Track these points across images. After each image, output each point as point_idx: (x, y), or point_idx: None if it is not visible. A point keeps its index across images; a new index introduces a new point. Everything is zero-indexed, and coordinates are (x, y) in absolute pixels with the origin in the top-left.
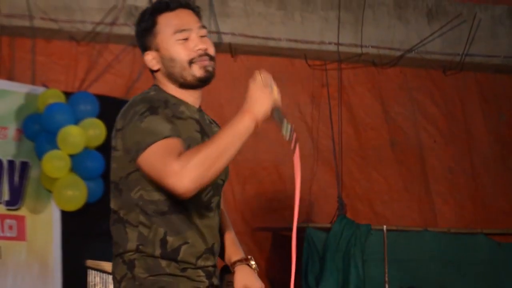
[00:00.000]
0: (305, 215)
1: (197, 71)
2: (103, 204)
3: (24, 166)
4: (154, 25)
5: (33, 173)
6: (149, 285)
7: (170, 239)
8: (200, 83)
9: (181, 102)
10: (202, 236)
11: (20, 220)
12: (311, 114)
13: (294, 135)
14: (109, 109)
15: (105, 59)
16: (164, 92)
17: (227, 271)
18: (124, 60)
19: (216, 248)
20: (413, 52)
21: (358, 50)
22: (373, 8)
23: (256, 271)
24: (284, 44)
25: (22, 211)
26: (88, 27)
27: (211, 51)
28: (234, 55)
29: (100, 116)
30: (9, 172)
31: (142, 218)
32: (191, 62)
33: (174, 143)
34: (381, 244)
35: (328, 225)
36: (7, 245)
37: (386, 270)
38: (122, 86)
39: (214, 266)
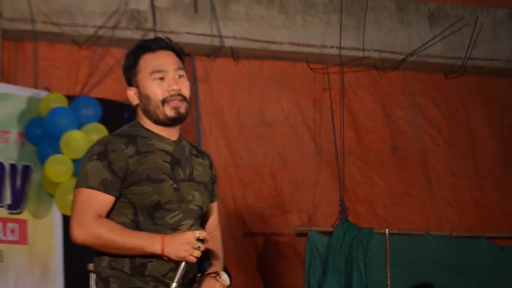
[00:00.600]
0: (308, 219)
1: (168, 111)
2: None
3: (26, 170)
4: (136, 64)
5: (35, 177)
6: None
7: (137, 257)
8: (170, 122)
9: (154, 135)
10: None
11: (22, 223)
12: (313, 117)
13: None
14: (111, 113)
15: (106, 63)
16: (141, 126)
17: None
18: None
19: (184, 264)
20: (415, 55)
21: (360, 54)
22: (375, 11)
23: (224, 285)
24: (286, 48)
25: (24, 215)
26: (90, 31)
27: (185, 92)
28: (236, 59)
29: (102, 120)
30: (11, 176)
31: None
32: (163, 101)
33: (95, 197)
34: (383, 247)
35: (330, 229)
36: (9, 249)
37: (389, 274)
38: (123, 90)
39: (185, 283)
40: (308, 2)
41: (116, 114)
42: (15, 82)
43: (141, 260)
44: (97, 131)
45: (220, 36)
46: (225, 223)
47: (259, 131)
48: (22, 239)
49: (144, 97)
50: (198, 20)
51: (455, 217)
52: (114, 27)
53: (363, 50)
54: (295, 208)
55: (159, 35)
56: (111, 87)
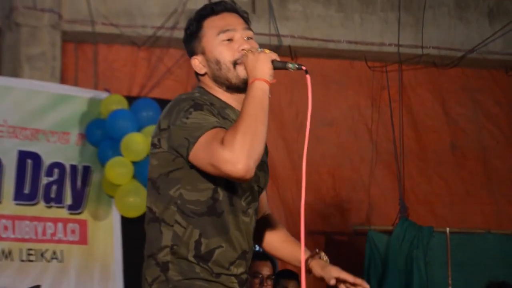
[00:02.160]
0: (365, 218)
1: (241, 72)
2: None
3: (86, 170)
4: (200, 29)
5: (95, 178)
6: (184, 287)
7: (204, 241)
8: (244, 85)
9: (226, 105)
10: (237, 241)
11: (82, 224)
12: (371, 116)
13: (303, 66)
14: None
15: (165, 64)
16: (210, 94)
17: (283, 275)
18: (184, 65)
19: (249, 255)
20: (474, 52)
21: (418, 51)
22: (434, 8)
23: (327, 261)
24: (343, 46)
25: (84, 216)
26: (149, 32)
27: None
28: (294, 57)
29: None
30: (72, 177)
31: (178, 217)
32: (235, 63)
33: (221, 132)
34: (444, 246)
35: (390, 228)
36: (69, 249)
37: (450, 273)
38: (181, 91)
39: (246, 273)
40: (366, 0)
41: None
42: (75, 83)
43: (207, 247)
44: None
45: (278, 35)
46: (285, 222)
47: (318, 131)
48: (82, 240)
49: (213, 62)
50: (256, 19)
51: None
52: (173, 28)
53: (422, 47)
54: (354, 207)
55: None
56: (170, 88)
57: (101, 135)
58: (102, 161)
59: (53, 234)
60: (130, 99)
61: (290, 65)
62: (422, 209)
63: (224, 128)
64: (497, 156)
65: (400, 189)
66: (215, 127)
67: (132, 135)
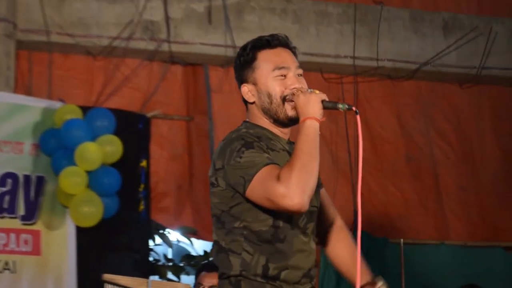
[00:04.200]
0: None
1: (289, 111)
2: (119, 219)
3: (40, 181)
4: (254, 60)
5: (49, 188)
6: None
7: (271, 266)
8: (290, 123)
9: (272, 135)
10: (301, 261)
11: (35, 234)
12: (329, 127)
13: (353, 107)
14: (125, 124)
15: (122, 73)
16: (256, 126)
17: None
18: (141, 74)
19: (313, 272)
20: (429, 65)
21: (374, 64)
22: (389, 21)
23: None
24: (299, 58)
25: (38, 226)
26: (105, 42)
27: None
28: None
29: (117, 132)
30: (25, 187)
31: (245, 245)
32: (284, 99)
33: (274, 168)
34: (398, 257)
35: None
36: (22, 260)
37: (403, 284)
38: (139, 100)
39: (313, 284)
40: (321, 13)
41: (131, 125)
42: (29, 93)
43: (274, 271)
44: (111, 143)
45: (234, 47)
46: None
47: None
48: (35, 250)
49: (265, 95)
50: (212, 30)
51: (465, 232)
52: (129, 38)
53: (377, 60)
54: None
55: (173, 45)
56: (126, 97)
57: (55, 145)
58: (56, 171)
59: (6, 245)
60: (85, 109)
61: (340, 106)
62: (378, 219)
63: (276, 164)
64: (447, 172)
65: (354, 199)
66: (268, 164)
67: (86, 145)
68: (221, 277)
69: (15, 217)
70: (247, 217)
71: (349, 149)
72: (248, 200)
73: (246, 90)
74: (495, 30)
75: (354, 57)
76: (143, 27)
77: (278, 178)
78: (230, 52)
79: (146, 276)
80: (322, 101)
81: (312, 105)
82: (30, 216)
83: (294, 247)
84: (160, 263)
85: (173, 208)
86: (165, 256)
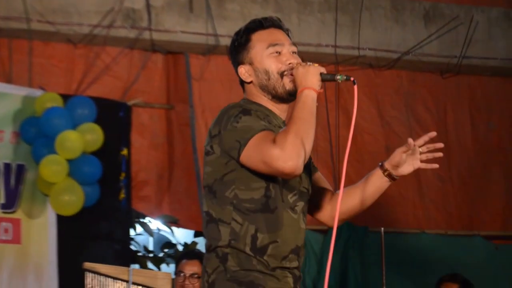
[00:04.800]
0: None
1: (287, 84)
2: (99, 208)
3: (21, 169)
4: (248, 41)
5: (29, 176)
6: (240, 277)
7: (260, 236)
8: (289, 97)
9: (270, 112)
10: (290, 236)
11: (16, 223)
12: None
13: (351, 78)
14: (106, 112)
15: (102, 61)
16: (254, 103)
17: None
18: (122, 62)
19: (301, 251)
20: (410, 54)
21: (355, 53)
22: (370, 10)
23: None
24: None
25: (18, 214)
26: (85, 30)
27: None
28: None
29: (97, 120)
30: (5, 175)
31: (235, 215)
32: (282, 74)
33: (270, 133)
34: (378, 246)
35: (326, 227)
36: (2, 248)
37: (384, 273)
38: (119, 88)
39: (299, 270)
40: (303, 1)
41: (112, 113)
42: (9, 81)
43: (262, 242)
44: (92, 131)
45: (215, 35)
46: None
47: None
48: (16, 239)
49: (262, 72)
50: (193, 19)
51: (443, 222)
52: (110, 26)
53: (358, 49)
54: None
55: (154, 34)
56: (107, 85)
57: (35, 133)
58: (37, 159)
59: None
60: (66, 97)
61: (338, 77)
62: None
63: (272, 131)
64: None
65: (335, 188)
66: (264, 129)
67: (67, 133)
68: (208, 249)
69: None
70: (240, 185)
71: (331, 139)
72: (242, 166)
73: (243, 71)
74: (476, 19)
75: (335, 46)
76: (124, 15)
77: (274, 141)
78: (211, 41)
79: (126, 265)
80: (321, 74)
81: (310, 76)
82: (10, 204)
83: (284, 220)
84: (140, 254)
85: (154, 197)
86: (145, 247)
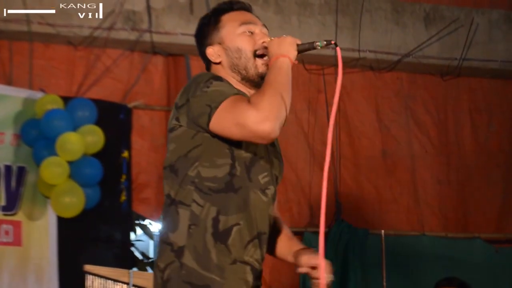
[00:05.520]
0: (302, 220)
1: (260, 67)
2: (100, 210)
3: (21, 171)
4: (218, 22)
5: (30, 178)
6: (196, 280)
7: (222, 218)
8: (260, 80)
9: (239, 92)
10: (255, 219)
11: (16, 225)
12: (307, 120)
13: (332, 41)
14: (106, 114)
15: (103, 64)
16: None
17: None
18: (122, 65)
19: (265, 238)
20: (410, 56)
21: (355, 55)
22: (371, 12)
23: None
24: None
25: (19, 217)
26: (86, 32)
27: None
28: None
29: (98, 122)
30: (6, 177)
31: (195, 196)
32: (255, 53)
33: (244, 98)
34: (379, 248)
35: (326, 230)
36: (3, 250)
37: (384, 275)
38: (120, 90)
39: (261, 263)
40: (303, 3)
41: (112, 115)
42: (10, 83)
43: (225, 224)
44: (92, 133)
45: None
46: None
47: None
48: (16, 241)
49: (233, 51)
50: (193, 21)
51: (440, 226)
52: (110, 28)
53: (359, 51)
54: (290, 209)
55: (155, 36)
56: (108, 88)
57: (36, 135)
58: (37, 161)
59: None
60: (66, 99)
61: (317, 43)
62: (353, 214)
63: (246, 96)
64: (424, 165)
65: (336, 191)
66: (237, 94)
67: (67, 135)
68: (162, 239)
69: None
70: (204, 161)
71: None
72: (212, 138)
73: (212, 51)
74: (476, 21)
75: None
76: (124, 17)
77: (249, 102)
78: None
79: (127, 267)
80: (297, 44)
81: (287, 45)
82: (11, 206)
83: (250, 201)
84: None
85: (154, 199)
86: (143, 253)
